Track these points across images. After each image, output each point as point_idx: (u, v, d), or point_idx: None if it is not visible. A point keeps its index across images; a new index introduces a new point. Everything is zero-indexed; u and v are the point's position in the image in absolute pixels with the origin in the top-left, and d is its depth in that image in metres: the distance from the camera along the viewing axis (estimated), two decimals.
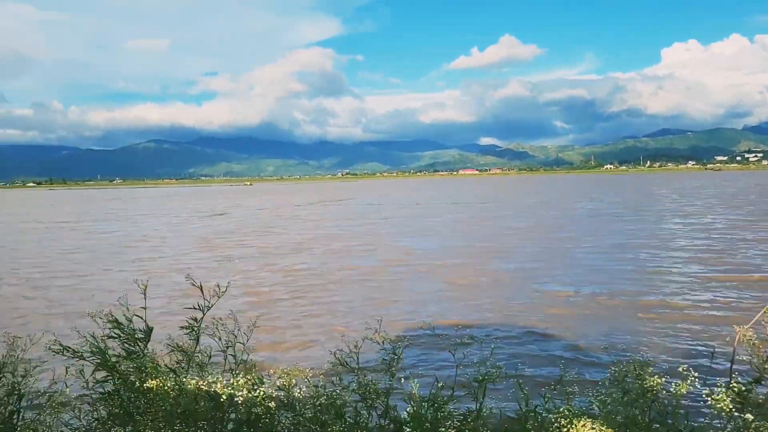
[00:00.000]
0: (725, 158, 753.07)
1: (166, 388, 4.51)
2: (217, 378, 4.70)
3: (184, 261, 33.88)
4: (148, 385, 4.54)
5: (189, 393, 4.55)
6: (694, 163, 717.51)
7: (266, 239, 44.41)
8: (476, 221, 56.09)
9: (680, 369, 4.49)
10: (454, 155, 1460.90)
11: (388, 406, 5.22)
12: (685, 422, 4.37)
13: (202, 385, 4.58)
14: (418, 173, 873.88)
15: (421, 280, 25.80)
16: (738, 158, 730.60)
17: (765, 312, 4.59)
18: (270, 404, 4.64)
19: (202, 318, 5.67)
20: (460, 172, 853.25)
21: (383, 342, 5.60)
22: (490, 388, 5.08)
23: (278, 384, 5.40)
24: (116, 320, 5.45)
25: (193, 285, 5.56)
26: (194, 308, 5.72)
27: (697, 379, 4.42)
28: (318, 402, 4.77)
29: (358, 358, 5.10)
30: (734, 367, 4.75)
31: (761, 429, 3.99)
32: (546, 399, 5.20)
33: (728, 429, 4.14)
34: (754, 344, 4.41)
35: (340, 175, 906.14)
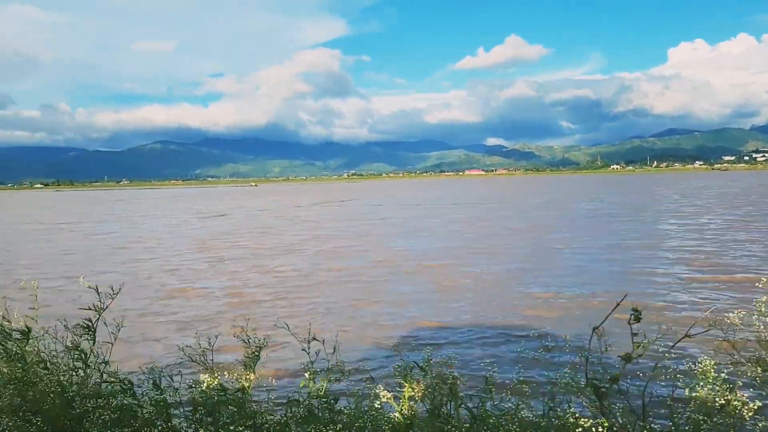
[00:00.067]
0: (733, 158, 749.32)
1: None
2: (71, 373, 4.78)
3: (175, 262, 34.01)
4: None
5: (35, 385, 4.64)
6: (701, 163, 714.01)
7: (261, 240, 44.53)
8: (474, 222, 56.04)
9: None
10: (460, 156, 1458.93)
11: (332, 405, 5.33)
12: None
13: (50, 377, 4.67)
14: (424, 174, 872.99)
15: (407, 281, 25.82)
16: (746, 158, 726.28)
17: (615, 309, 4.69)
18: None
19: (98, 318, 5.76)
20: (466, 172, 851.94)
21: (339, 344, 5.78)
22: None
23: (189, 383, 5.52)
24: None
25: (90, 287, 5.61)
26: (88, 308, 5.82)
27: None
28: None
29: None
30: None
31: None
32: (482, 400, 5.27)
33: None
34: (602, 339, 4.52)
35: (345, 175, 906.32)
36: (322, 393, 5.24)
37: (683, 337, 4.72)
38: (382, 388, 5.29)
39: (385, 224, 56.34)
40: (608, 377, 4.62)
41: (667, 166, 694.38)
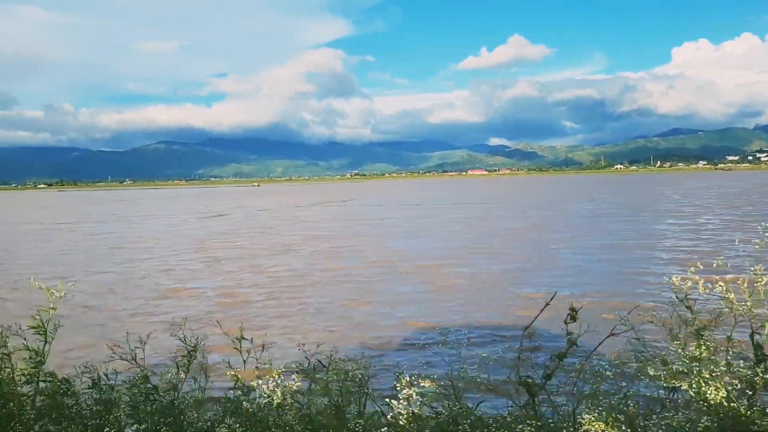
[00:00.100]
0: (737, 158, 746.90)
1: None
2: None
3: (171, 262, 34.08)
4: None
5: None
6: (705, 163, 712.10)
7: (258, 240, 44.59)
8: (472, 222, 56.02)
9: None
10: (462, 156, 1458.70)
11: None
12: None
13: None
14: (427, 174, 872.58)
15: (401, 281, 25.83)
16: (750, 158, 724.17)
17: (544, 308, 4.74)
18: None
19: (50, 318, 5.77)
20: (469, 172, 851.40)
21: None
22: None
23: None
24: None
25: (41, 288, 5.64)
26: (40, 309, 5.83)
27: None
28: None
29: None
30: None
31: None
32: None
33: None
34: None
35: (348, 176, 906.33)
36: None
37: (607, 337, 4.77)
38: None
39: (383, 224, 56.37)
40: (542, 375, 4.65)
41: (670, 166, 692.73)
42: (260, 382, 5.12)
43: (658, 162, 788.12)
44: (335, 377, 5.05)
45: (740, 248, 29.76)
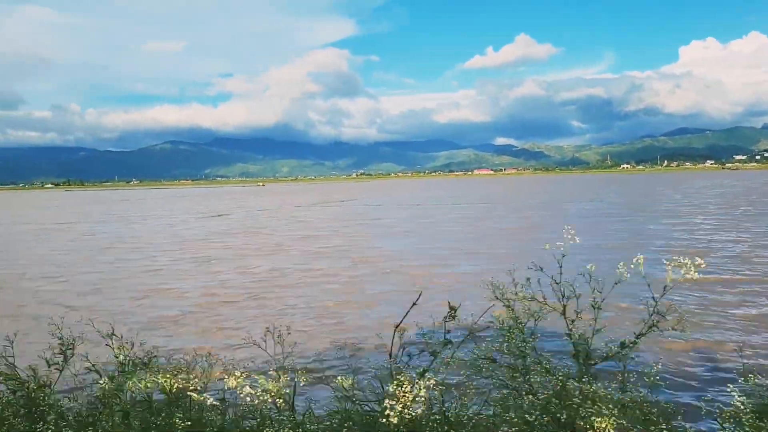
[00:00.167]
0: (744, 157, 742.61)
1: None
2: None
3: (161, 262, 34.19)
4: None
5: None
6: (712, 162, 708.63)
7: (251, 240, 44.67)
8: (467, 222, 55.93)
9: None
10: (469, 155, 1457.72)
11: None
12: None
13: None
14: (433, 173, 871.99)
15: (383, 281, 25.81)
16: (757, 157, 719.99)
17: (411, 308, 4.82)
18: None
19: None
20: (475, 172, 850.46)
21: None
22: None
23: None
24: None
25: None
26: None
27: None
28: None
29: None
30: None
31: None
32: None
33: None
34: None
35: (354, 175, 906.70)
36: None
37: (473, 333, 4.86)
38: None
39: (377, 225, 56.37)
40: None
41: (677, 166, 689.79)
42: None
43: (665, 161, 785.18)
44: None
45: (731, 249, 29.66)
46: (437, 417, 4.71)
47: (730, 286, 21.61)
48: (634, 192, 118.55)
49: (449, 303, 5.01)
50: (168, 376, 5.36)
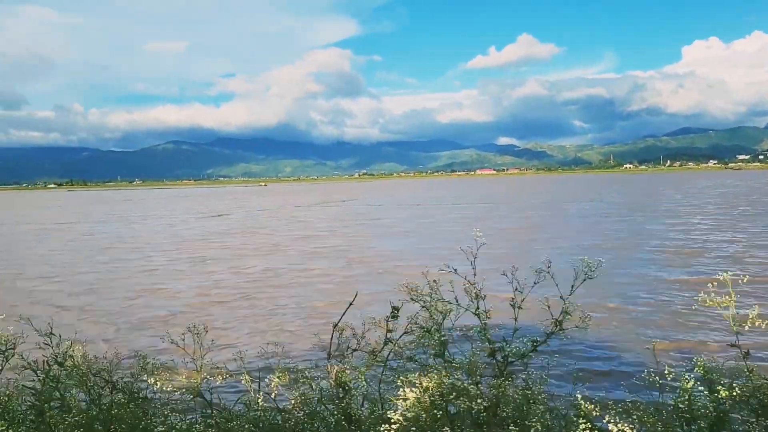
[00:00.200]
0: (747, 157, 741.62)
1: None
2: None
3: (157, 262, 34.29)
4: None
5: None
6: (715, 162, 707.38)
7: (249, 240, 44.77)
8: (465, 222, 55.89)
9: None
10: (471, 155, 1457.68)
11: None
12: None
13: None
14: (436, 173, 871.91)
15: (376, 282, 25.85)
16: (761, 157, 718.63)
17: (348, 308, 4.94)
18: None
19: None
20: (477, 172, 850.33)
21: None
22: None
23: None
24: None
25: None
26: None
27: None
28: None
29: None
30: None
31: None
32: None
33: None
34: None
35: (357, 175, 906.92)
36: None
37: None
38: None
39: (376, 225, 56.44)
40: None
41: (680, 166, 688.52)
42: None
43: (668, 161, 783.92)
44: None
45: (725, 249, 29.70)
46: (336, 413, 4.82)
47: (720, 286, 21.62)
48: (635, 192, 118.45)
49: (391, 303, 5.07)
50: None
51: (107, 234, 55.22)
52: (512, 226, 49.99)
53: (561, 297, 5.51)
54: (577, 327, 5.26)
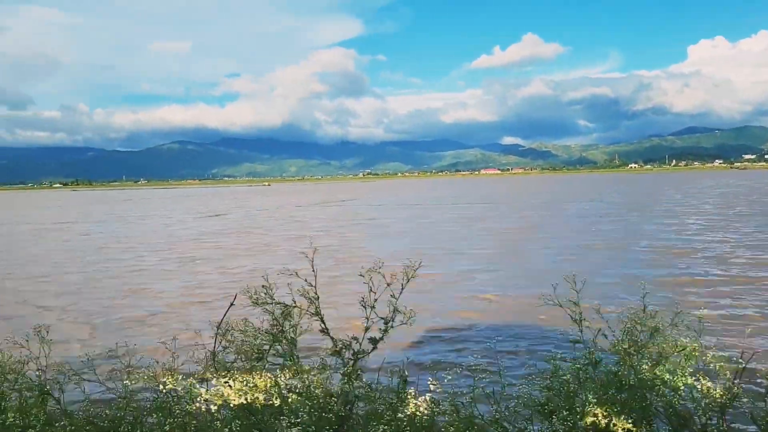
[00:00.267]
0: (753, 157, 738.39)
1: None
2: None
3: (148, 263, 34.37)
4: None
5: None
6: (721, 161, 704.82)
7: (242, 240, 44.85)
8: (464, 222, 55.83)
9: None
10: (476, 155, 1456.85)
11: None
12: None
13: None
14: (440, 173, 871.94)
15: (358, 282, 25.74)
16: (767, 156, 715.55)
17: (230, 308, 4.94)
18: None
19: None
20: (482, 171, 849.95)
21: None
22: None
23: None
24: None
25: None
26: None
27: None
28: None
29: None
30: None
31: None
32: None
33: None
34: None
35: (361, 175, 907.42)
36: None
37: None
38: None
39: (373, 225, 56.46)
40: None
41: (686, 165, 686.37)
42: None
43: (674, 161, 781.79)
44: None
45: (713, 249, 29.57)
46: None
47: (700, 286, 21.62)
48: (637, 192, 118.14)
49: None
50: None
51: (103, 234, 55.37)
52: (511, 226, 49.94)
53: (392, 296, 5.91)
54: (403, 324, 5.50)
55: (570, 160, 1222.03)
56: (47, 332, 5.59)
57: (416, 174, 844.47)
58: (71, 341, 17.25)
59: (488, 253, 34.03)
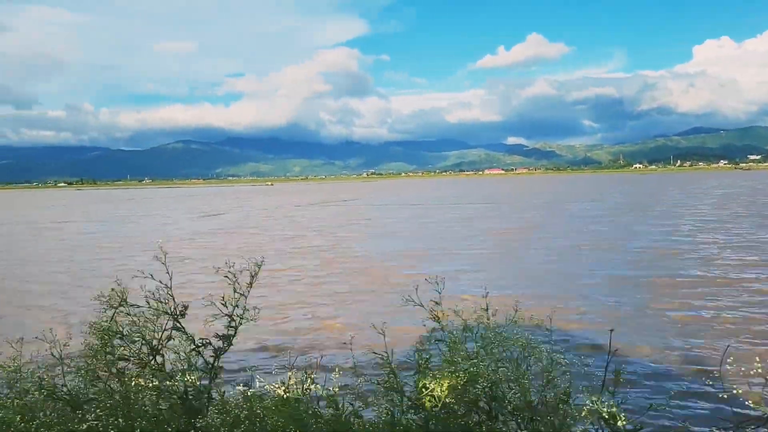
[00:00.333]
0: (758, 157, 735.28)
1: None
2: None
3: (135, 263, 34.11)
4: None
5: None
6: (726, 162, 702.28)
7: (234, 240, 44.77)
8: (462, 222, 55.58)
9: None
10: (480, 155, 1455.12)
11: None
12: None
13: None
14: (444, 173, 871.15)
15: (344, 282, 25.72)
16: None
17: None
18: None
19: None
20: (486, 171, 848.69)
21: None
22: None
23: None
24: None
25: None
26: None
27: None
28: None
29: None
30: None
31: None
32: None
33: None
34: None
35: (365, 174, 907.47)
36: None
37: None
38: None
39: (369, 225, 56.29)
40: None
41: (691, 166, 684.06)
42: None
43: (678, 161, 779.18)
44: None
45: (701, 250, 29.27)
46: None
47: (679, 287, 21.39)
48: (639, 192, 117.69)
49: (182, 303, 4.97)
50: None
51: (99, 234, 55.36)
52: (507, 226, 49.78)
53: (236, 291, 5.67)
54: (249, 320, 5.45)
55: (574, 161, 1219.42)
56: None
57: (420, 174, 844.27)
58: (46, 341, 17.05)
59: (481, 253, 33.82)
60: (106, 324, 5.18)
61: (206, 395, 4.95)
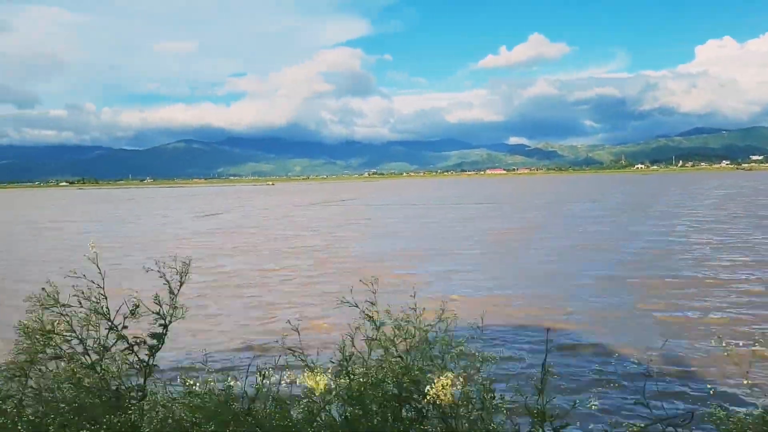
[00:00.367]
0: (761, 157, 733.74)
1: None
2: None
3: (128, 262, 34.21)
4: None
5: None
6: (728, 162, 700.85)
7: (230, 240, 44.75)
8: (462, 223, 55.54)
9: None
10: (481, 155, 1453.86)
11: None
12: None
13: None
14: (446, 173, 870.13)
15: (335, 282, 25.66)
16: None
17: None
18: None
19: None
20: (487, 171, 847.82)
21: None
22: None
23: None
24: None
25: None
26: None
27: None
28: None
29: None
30: None
31: None
32: None
33: None
34: None
35: (366, 174, 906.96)
36: None
37: None
38: None
39: (367, 225, 56.25)
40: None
41: (692, 166, 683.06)
42: None
43: (680, 162, 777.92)
44: None
45: (694, 251, 29.18)
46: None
47: (669, 287, 21.34)
48: (639, 193, 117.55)
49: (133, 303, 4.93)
50: None
51: (96, 233, 55.35)
52: (507, 226, 49.85)
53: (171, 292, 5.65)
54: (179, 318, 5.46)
55: (576, 161, 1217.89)
56: None
57: (422, 174, 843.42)
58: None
59: (477, 253, 33.80)
60: (34, 324, 5.10)
61: (140, 392, 4.94)
